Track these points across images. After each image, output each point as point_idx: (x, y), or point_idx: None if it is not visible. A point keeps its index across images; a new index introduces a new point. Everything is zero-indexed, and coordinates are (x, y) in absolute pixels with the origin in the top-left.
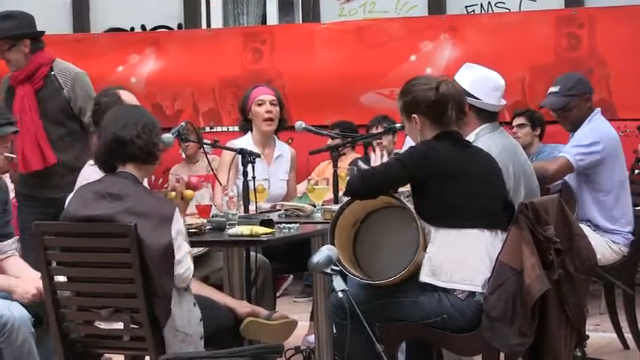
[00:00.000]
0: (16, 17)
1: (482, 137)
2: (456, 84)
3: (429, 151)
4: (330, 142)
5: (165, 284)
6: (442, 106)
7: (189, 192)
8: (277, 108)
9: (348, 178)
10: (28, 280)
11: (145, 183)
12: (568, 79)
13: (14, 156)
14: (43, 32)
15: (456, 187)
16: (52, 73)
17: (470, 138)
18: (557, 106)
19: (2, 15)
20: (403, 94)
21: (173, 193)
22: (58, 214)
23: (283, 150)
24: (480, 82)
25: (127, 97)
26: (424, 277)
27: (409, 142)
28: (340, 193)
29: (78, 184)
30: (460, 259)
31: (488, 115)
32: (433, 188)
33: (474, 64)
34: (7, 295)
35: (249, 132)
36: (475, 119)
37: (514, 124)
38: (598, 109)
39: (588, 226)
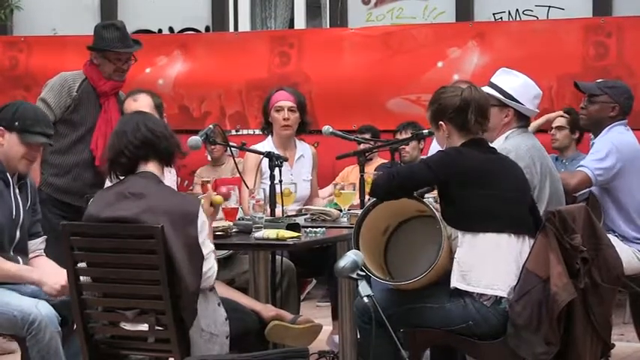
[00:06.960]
0: None
1: (511, 137)
2: (481, 90)
3: (455, 154)
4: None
5: (192, 283)
6: (464, 111)
7: (218, 197)
8: (296, 114)
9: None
10: (58, 273)
11: (174, 186)
12: (614, 82)
13: None
14: None
15: (481, 191)
16: None
17: (501, 139)
18: (588, 90)
19: (115, 25)
20: (432, 103)
21: (202, 199)
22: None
23: (304, 150)
24: (525, 89)
25: None
26: (455, 282)
27: (435, 149)
28: (367, 198)
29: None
30: (487, 263)
31: (523, 119)
32: (458, 192)
33: (512, 70)
34: (36, 293)
35: (270, 135)
36: (513, 121)
37: (553, 125)
38: (622, 122)
39: (615, 235)
